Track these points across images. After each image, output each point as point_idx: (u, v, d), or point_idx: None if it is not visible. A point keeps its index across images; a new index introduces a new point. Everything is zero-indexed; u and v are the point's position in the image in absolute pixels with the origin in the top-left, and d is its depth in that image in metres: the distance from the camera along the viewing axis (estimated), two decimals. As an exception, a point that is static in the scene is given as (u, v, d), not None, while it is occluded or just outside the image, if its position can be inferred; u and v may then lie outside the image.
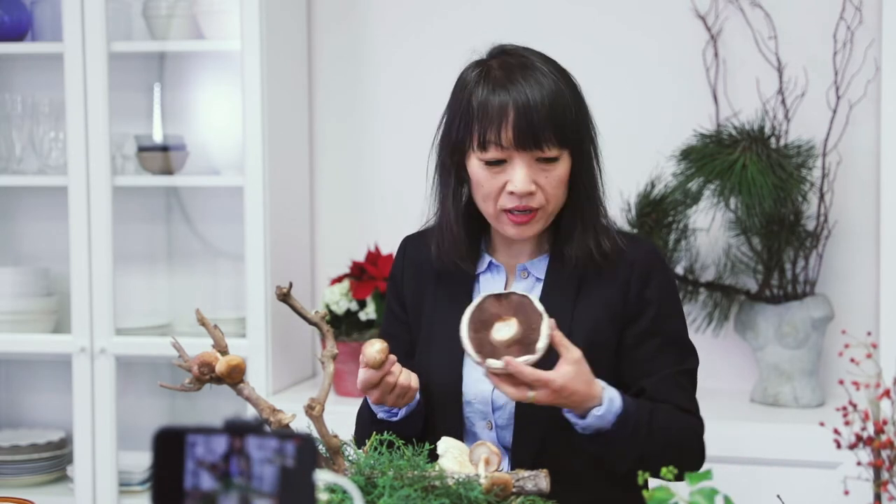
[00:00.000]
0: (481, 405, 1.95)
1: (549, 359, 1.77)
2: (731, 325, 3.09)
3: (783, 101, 3.05)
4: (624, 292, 1.94)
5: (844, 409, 1.43)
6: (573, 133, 1.90)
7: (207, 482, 1.13)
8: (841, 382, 1.53)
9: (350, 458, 1.76)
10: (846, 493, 1.46)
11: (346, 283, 3.14)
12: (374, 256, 3.17)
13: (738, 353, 3.13)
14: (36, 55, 3.33)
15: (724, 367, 3.13)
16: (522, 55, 1.92)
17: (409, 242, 2.11)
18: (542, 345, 1.75)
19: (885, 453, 1.39)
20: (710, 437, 1.99)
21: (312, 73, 3.38)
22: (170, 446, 1.14)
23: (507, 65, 1.90)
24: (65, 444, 3.38)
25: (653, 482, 1.90)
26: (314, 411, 1.68)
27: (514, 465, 1.91)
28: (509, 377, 1.76)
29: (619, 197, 2.99)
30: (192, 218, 3.42)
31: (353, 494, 1.21)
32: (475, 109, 1.89)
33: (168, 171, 3.24)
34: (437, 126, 1.98)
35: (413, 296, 2.05)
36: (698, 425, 1.94)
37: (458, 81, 1.95)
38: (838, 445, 1.42)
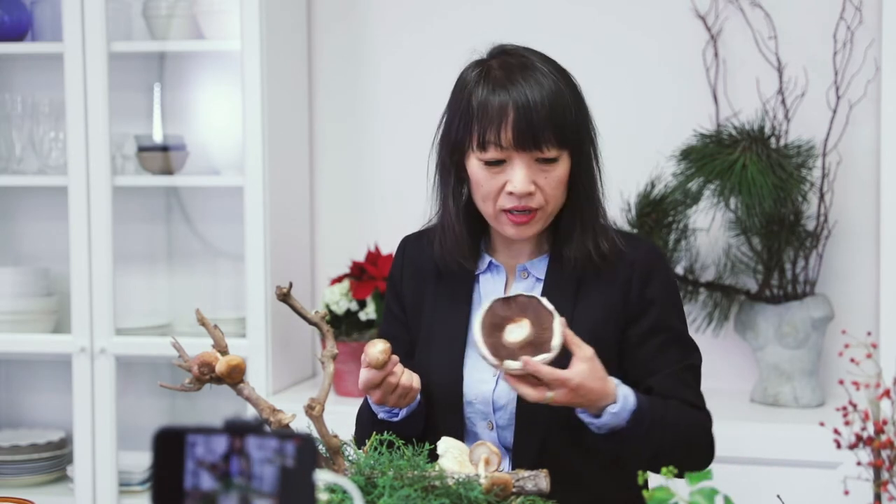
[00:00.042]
0: (482, 405, 1.94)
1: (560, 360, 1.76)
2: (731, 325, 3.09)
3: (783, 101, 3.05)
4: (625, 292, 1.94)
5: (844, 409, 1.43)
6: (573, 134, 1.90)
7: (207, 482, 1.13)
8: (841, 382, 1.53)
9: (350, 458, 1.76)
10: (846, 493, 1.46)
11: (346, 283, 3.14)
12: (374, 256, 3.17)
13: (738, 353, 3.13)
14: (36, 55, 3.33)
15: (724, 367, 3.13)
16: (522, 55, 1.92)
17: (409, 243, 2.11)
18: (556, 342, 1.75)
19: (885, 453, 1.39)
20: (710, 437, 1.99)
21: (312, 73, 3.38)
22: (170, 446, 1.14)
23: (507, 65, 1.90)
24: (65, 444, 3.38)
25: (653, 482, 1.90)
26: (314, 411, 1.68)
27: (516, 465, 1.91)
28: (525, 378, 1.76)
29: (619, 197, 3.00)
30: (192, 218, 3.42)
31: (353, 494, 1.21)
32: (475, 109, 1.89)
33: (168, 171, 3.24)
34: (437, 126, 1.98)
35: (412, 296, 2.05)
36: (707, 420, 1.95)
37: (458, 81, 1.95)
38: (838, 445, 1.42)
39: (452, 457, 1.72)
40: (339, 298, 3.12)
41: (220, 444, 1.13)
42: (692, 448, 1.90)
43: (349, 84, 3.36)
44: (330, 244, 3.39)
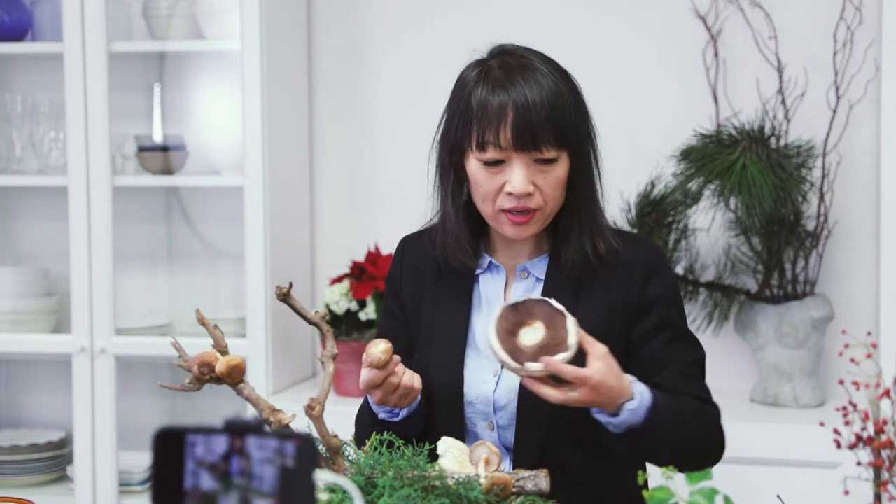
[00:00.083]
0: (483, 405, 1.94)
1: (574, 361, 1.76)
2: (731, 325, 3.09)
3: (783, 101, 3.05)
4: (627, 292, 1.94)
5: (844, 409, 1.43)
6: (572, 134, 1.89)
7: (207, 482, 1.13)
8: (841, 382, 1.53)
9: (350, 458, 1.76)
10: (846, 493, 1.46)
11: (346, 283, 3.14)
12: (374, 256, 3.17)
13: (738, 353, 3.13)
14: (36, 55, 3.33)
15: (724, 367, 3.13)
16: (522, 55, 1.92)
17: (408, 243, 2.10)
18: (572, 341, 1.75)
19: (885, 453, 1.39)
20: (710, 437, 1.99)
21: (312, 73, 3.38)
22: (170, 446, 1.14)
23: (506, 65, 1.90)
24: (65, 444, 3.38)
25: (653, 482, 1.90)
26: (314, 411, 1.68)
27: (516, 465, 1.91)
28: (545, 380, 1.76)
29: (619, 197, 3.00)
30: (192, 218, 3.42)
31: (353, 494, 1.21)
32: (474, 109, 1.89)
33: (168, 171, 3.24)
34: (437, 126, 1.98)
35: (412, 296, 2.05)
36: (718, 413, 1.95)
37: (457, 81, 1.95)
38: (838, 445, 1.42)
39: (452, 457, 1.72)
40: (339, 298, 3.12)
41: (220, 444, 1.13)
42: (706, 442, 1.91)
43: (349, 84, 3.36)
44: (330, 244, 3.39)
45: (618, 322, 1.93)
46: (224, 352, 1.75)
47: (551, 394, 1.75)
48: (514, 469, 1.86)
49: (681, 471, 1.41)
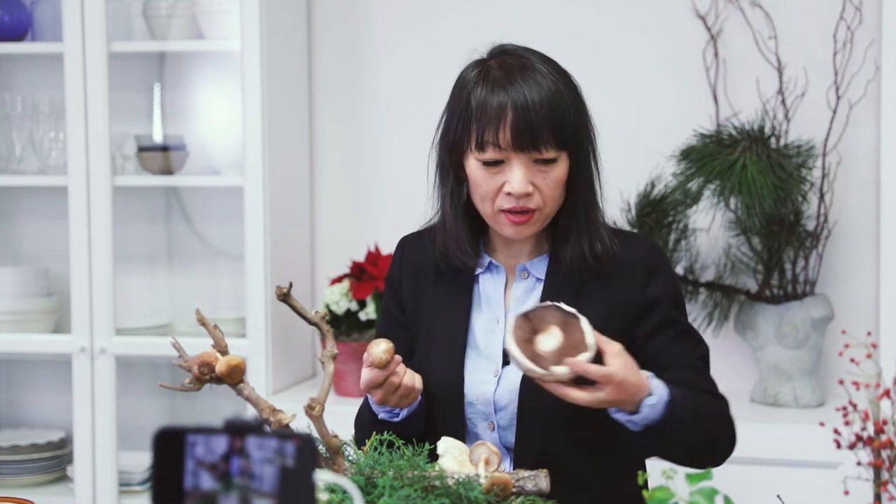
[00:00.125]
0: (483, 406, 1.94)
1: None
2: (731, 325, 3.09)
3: (783, 101, 3.05)
4: (628, 291, 1.94)
5: (844, 409, 1.43)
6: (572, 134, 1.89)
7: (207, 482, 1.13)
8: (841, 382, 1.53)
9: (350, 458, 1.76)
10: (846, 493, 1.46)
11: (346, 283, 3.14)
12: (374, 256, 3.17)
13: (738, 353, 3.13)
14: (36, 55, 3.33)
15: (724, 367, 3.12)
16: (522, 55, 1.92)
17: (407, 243, 2.10)
18: (591, 340, 1.75)
19: (885, 453, 1.39)
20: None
21: (312, 73, 3.38)
22: (170, 446, 1.14)
23: (506, 65, 1.90)
24: (65, 444, 3.38)
25: (653, 482, 1.90)
26: (314, 411, 1.68)
27: (517, 465, 1.90)
28: (568, 383, 1.75)
29: (619, 197, 3.00)
30: (192, 218, 3.42)
31: (353, 494, 1.20)
32: (474, 109, 1.88)
33: (168, 171, 3.24)
34: (437, 126, 1.98)
35: (411, 296, 2.05)
36: (727, 405, 1.95)
37: (457, 81, 1.95)
38: (838, 445, 1.42)
39: (452, 457, 1.72)
40: (339, 298, 3.12)
41: (220, 444, 1.13)
42: (721, 434, 1.92)
43: (349, 84, 3.36)
44: (330, 244, 3.38)
45: (619, 321, 1.93)
46: (224, 352, 1.75)
47: (580, 396, 1.74)
48: (514, 469, 1.86)
49: (698, 467, 1.40)
